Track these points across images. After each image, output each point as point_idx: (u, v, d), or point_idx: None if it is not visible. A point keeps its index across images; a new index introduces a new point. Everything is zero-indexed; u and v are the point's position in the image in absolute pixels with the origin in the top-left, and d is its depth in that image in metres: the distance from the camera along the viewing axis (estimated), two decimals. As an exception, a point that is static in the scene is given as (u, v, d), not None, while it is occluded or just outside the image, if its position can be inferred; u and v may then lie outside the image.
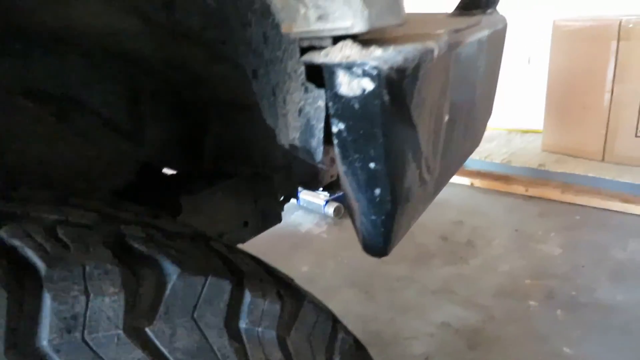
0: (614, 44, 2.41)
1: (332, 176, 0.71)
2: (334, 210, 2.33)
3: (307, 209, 2.47)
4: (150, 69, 0.72)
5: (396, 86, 0.40)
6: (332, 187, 0.79)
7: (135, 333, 0.35)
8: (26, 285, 0.31)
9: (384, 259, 1.95)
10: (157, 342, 0.35)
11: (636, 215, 2.21)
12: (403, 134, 0.44)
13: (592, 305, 1.63)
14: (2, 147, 0.68)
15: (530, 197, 2.48)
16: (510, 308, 1.65)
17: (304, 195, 2.46)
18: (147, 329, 0.35)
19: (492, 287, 1.77)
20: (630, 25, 2.35)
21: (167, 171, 0.97)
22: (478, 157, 2.79)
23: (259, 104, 0.57)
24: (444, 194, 2.64)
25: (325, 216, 2.38)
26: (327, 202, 2.38)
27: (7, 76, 0.68)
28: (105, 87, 0.75)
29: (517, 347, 1.47)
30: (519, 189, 2.52)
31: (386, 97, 0.39)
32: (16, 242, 0.35)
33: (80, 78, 0.73)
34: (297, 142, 0.49)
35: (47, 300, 0.32)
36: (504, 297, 1.71)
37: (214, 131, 0.81)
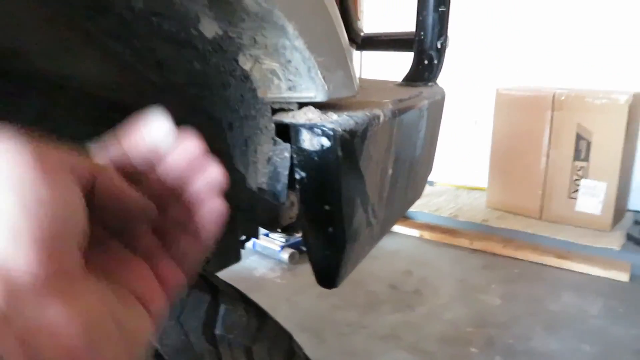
0: (548, 113, 2.66)
1: (290, 218, 0.79)
2: (289, 256, 2.40)
3: (263, 254, 2.51)
4: (130, 115, 0.80)
5: (348, 144, 0.49)
6: (288, 229, 0.87)
7: None
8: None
9: (335, 304, 2.02)
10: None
11: (569, 270, 2.38)
12: (353, 183, 0.54)
13: (529, 353, 1.74)
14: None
15: (475, 250, 2.63)
16: (453, 354, 1.74)
17: (260, 240, 2.51)
18: None
19: (437, 334, 1.86)
20: (563, 98, 2.61)
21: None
22: (427, 211, 2.95)
23: (231, 152, 0.66)
24: (394, 244, 2.76)
25: (280, 262, 2.44)
26: (282, 247, 2.44)
27: (-3, 114, 0.74)
28: (84, 130, 0.82)
29: (458, 392, 1.55)
30: (465, 242, 2.67)
31: (340, 153, 0.49)
32: None
33: (64, 120, 0.80)
34: (264, 186, 0.57)
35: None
36: (447, 344, 1.80)
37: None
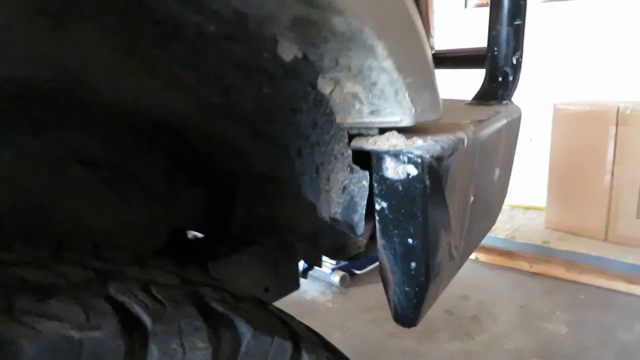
0: (612, 128, 2.52)
1: (358, 247, 0.75)
2: (340, 279, 2.34)
3: (313, 277, 2.47)
4: (193, 141, 0.78)
5: (435, 172, 0.45)
6: (355, 258, 0.83)
7: None
8: (134, 336, 0.35)
9: (390, 330, 1.94)
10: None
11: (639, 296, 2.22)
12: (438, 213, 0.49)
13: (601, 388, 1.61)
14: (49, 211, 0.73)
15: (535, 274, 2.49)
16: (518, 387, 1.63)
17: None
18: None
19: (500, 365, 1.75)
20: (628, 112, 2.47)
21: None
22: (482, 232, 2.83)
23: (299, 180, 0.63)
24: (450, 267, 2.65)
25: (330, 285, 2.38)
26: (333, 270, 2.39)
27: (64, 145, 0.74)
28: (147, 156, 0.81)
29: None
30: (523, 265, 2.54)
31: (427, 181, 0.44)
32: (124, 298, 0.39)
33: (126, 147, 0.79)
34: (338, 216, 0.53)
35: (154, 351, 0.35)
36: (511, 376, 1.69)
37: (243, 200, 0.86)
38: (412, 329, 2.00)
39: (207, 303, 0.43)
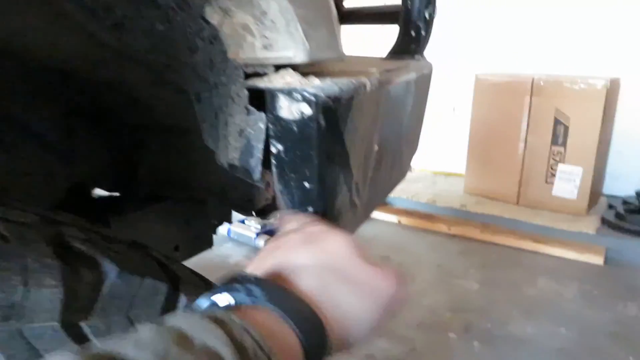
0: (527, 98, 2.65)
1: (266, 200, 0.73)
2: (265, 243, 2.33)
3: (238, 241, 2.45)
4: (88, 88, 0.72)
5: (331, 113, 0.44)
6: (264, 212, 0.81)
7: (71, 327, 0.35)
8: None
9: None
10: (92, 337, 0.36)
11: (546, 254, 2.39)
12: (336, 157, 0.48)
13: (506, 338, 1.73)
14: None
15: (453, 236, 2.61)
16: (431, 340, 1.72)
17: (235, 227, 2.45)
18: (82, 324, 0.36)
19: (415, 320, 1.83)
20: (542, 83, 2.60)
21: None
22: (405, 197, 2.92)
23: (200, 126, 0.60)
24: (372, 230, 2.74)
25: (255, 249, 2.38)
26: (258, 234, 2.38)
27: None
28: (39, 103, 0.75)
29: (437, 378, 1.53)
30: (442, 228, 2.65)
31: (322, 122, 0.43)
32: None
33: (13, 91, 0.72)
34: (236, 162, 0.51)
35: (-13, 288, 0.32)
36: (425, 330, 1.78)
37: (150, 154, 0.82)
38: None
39: (66, 242, 0.40)
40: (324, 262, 0.42)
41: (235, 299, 0.37)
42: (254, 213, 0.84)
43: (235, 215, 1.01)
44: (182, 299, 0.43)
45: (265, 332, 0.33)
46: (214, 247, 1.00)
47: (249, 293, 0.37)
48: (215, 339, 0.29)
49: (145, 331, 0.29)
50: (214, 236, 0.99)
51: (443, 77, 3.18)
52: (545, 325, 1.81)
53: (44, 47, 0.60)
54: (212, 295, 0.37)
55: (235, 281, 0.38)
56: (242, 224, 2.46)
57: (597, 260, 2.29)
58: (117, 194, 0.93)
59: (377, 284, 0.42)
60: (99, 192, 0.98)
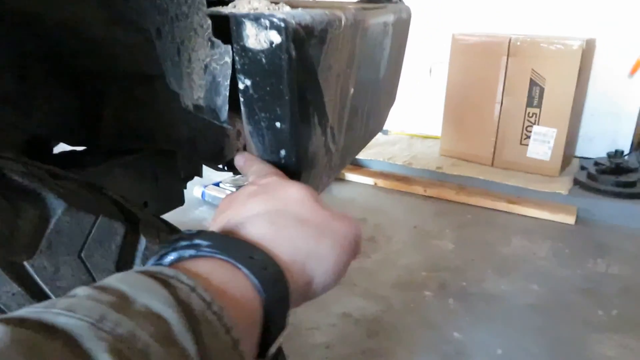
0: (504, 59, 2.63)
1: (237, 150, 0.69)
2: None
3: (213, 205, 2.41)
4: (41, 30, 0.66)
5: (303, 42, 0.40)
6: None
7: (12, 266, 0.32)
8: None
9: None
10: (37, 278, 0.33)
11: (519, 215, 2.42)
12: (309, 94, 0.44)
13: (480, 295, 1.76)
14: None
15: (429, 197, 2.62)
16: (407, 298, 1.73)
17: (210, 190, 2.40)
18: (25, 263, 0.32)
19: (391, 279, 1.85)
20: (518, 43, 2.58)
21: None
22: (382, 159, 2.91)
23: (163, 67, 0.55)
24: (349, 192, 2.72)
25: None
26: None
27: None
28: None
29: (412, 334, 1.55)
30: (418, 190, 2.66)
31: (293, 53, 0.39)
32: None
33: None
34: (201, 102, 0.47)
35: None
36: (401, 289, 1.79)
37: (112, 104, 0.77)
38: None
39: (4, 175, 0.36)
40: (276, 208, 0.40)
41: (180, 255, 0.34)
42: (225, 167, 0.80)
43: (210, 178, 0.97)
44: (142, 241, 0.40)
45: (215, 284, 0.30)
46: (188, 211, 0.97)
47: (195, 247, 0.34)
48: (158, 301, 0.26)
49: (80, 294, 0.26)
50: (189, 199, 0.95)
51: (420, 38, 3.13)
52: (518, 283, 1.85)
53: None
54: (158, 257, 0.34)
55: (181, 239, 0.35)
56: (216, 187, 2.41)
57: (569, 219, 2.34)
58: (80, 148, 0.88)
59: (333, 225, 0.41)
60: (64, 147, 0.92)
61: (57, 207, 0.36)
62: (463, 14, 3.11)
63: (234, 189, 2.38)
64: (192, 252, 0.33)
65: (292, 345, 1.47)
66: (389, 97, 0.80)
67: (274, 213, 0.40)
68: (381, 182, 2.76)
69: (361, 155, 2.90)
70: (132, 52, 0.67)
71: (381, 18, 0.62)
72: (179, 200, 0.93)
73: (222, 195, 2.36)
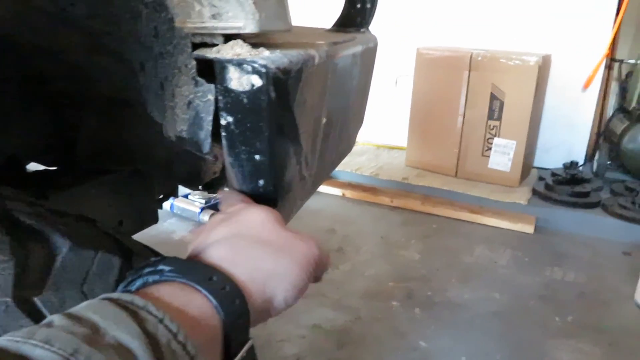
0: (466, 73, 2.73)
1: (214, 173, 0.72)
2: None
3: (181, 217, 2.41)
4: (22, 55, 0.68)
5: (281, 84, 0.44)
6: (212, 185, 0.81)
7: (24, 302, 0.34)
8: None
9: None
10: (45, 311, 0.35)
11: (482, 224, 2.51)
12: (286, 129, 0.48)
13: (445, 304, 1.82)
14: None
15: (395, 208, 2.69)
16: (375, 308, 1.78)
17: (178, 202, 2.40)
18: (35, 299, 0.35)
19: (360, 290, 1.89)
20: (479, 58, 2.68)
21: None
22: (349, 170, 2.96)
23: (145, 98, 0.58)
24: (317, 203, 2.76)
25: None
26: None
27: None
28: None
29: (381, 344, 1.59)
30: (385, 200, 2.72)
31: (272, 94, 0.43)
32: None
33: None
34: (184, 134, 0.50)
35: None
36: (369, 299, 1.84)
37: (90, 126, 0.78)
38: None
39: (14, 217, 0.39)
40: (238, 232, 0.43)
41: (145, 281, 0.36)
42: (200, 187, 0.83)
43: (179, 191, 0.99)
44: (136, 272, 0.43)
45: (175, 306, 0.33)
46: (157, 223, 0.98)
47: (159, 272, 0.37)
48: (127, 334, 0.29)
49: (57, 323, 0.29)
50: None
51: (386, 51, 3.21)
52: (481, 291, 1.92)
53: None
54: (126, 284, 0.37)
55: (146, 265, 0.38)
56: (185, 199, 2.41)
57: (528, 228, 2.44)
58: (54, 168, 0.89)
59: (293, 245, 0.44)
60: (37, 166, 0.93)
61: (62, 245, 0.38)
62: (428, 28, 3.21)
63: (202, 201, 2.39)
64: (156, 277, 0.36)
65: (263, 358, 1.49)
66: (358, 119, 0.84)
67: (235, 237, 0.43)
68: (349, 193, 2.81)
69: (329, 166, 2.95)
70: (112, 78, 0.69)
71: (350, 50, 0.66)
72: (154, 219, 0.94)
73: (191, 208, 2.37)
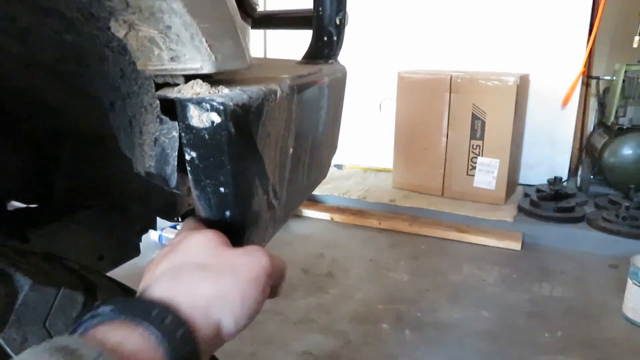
0: (447, 95, 2.79)
1: (189, 205, 0.74)
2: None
3: (170, 247, 2.40)
4: (-3, 97, 0.70)
5: (241, 120, 0.46)
6: (188, 216, 0.82)
7: None
8: None
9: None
10: (7, 349, 0.36)
11: (469, 243, 2.53)
12: (249, 162, 0.50)
13: (434, 324, 1.83)
14: None
15: (383, 230, 2.71)
16: (365, 332, 1.78)
17: (167, 233, 2.40)
18: None
19: (349, 314, 1.89)
20: (459, 80, 2.74)
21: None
22: (337, 194, 2.98)
23: (116, 134, 0.60)
24: (306, 228, 2.77)
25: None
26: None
27: None
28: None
29: (371, 368, 1.59)
30: (373, 222, 2.74)
31: (232, 129, 0.45)
32: None
33: None
34: (152, 170, 0.52)
35: None
36: (359, 322, 1.83)
37: (66, 163, 0.80)
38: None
39: None
40: (178, 261, 0.43)
41: (89, 323, 0.36)
42: (179, 219, 0.84)
43: (166, 221, 1.00)
44: (99, 306, 0.44)
45: (112, 343, 0.33)
46: (145, 255, 0.99)
47: (100, 314, 0.37)
48: None
49: None
50: (146, 243, 0.98)
51: (369, 76, 3.28)
52: (470, 310, 1.93)
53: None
54: (72, 329, 0.37)
55: (90, 308, 0.38)
56: (173, 229, 2.41)
57: (515, 245, 2.46)
58: (33, 205, 0.90)
59: (236, 263, 0.43)
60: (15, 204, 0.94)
61: (24, 283, 0.39)
62: (408, 52, 3.28)
63: (191, 231, 2.39)
64: (98, 319, 0.37)
65: (253, 387, 1.48)
66: (330, 147, 0.86)
67: (175, 267, 0.43)
68: (337, 217, 2.83)
69: (317, 191, 2.97)
70: (85, 116, 0.71)
71: (317, 81, 0.68)
72: (135, 251, 0.95)
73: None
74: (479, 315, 1.89)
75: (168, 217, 0.76)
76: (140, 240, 0.94)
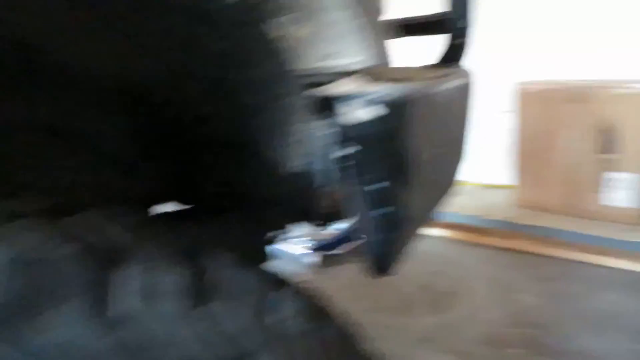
0: (571, 105, 2.58)
1: (332, 207, 0.75)
2: (315, 260, 2.35)
3: (287, 259, 2.47)
4: (154, 107, 0.77)
5: (399, 113, 0.46)
6: (330, 219, 0.82)
7: None
8: None
9: (370, 306, 1.95)
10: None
11: (604, 266, 2.29)
12: (409, 155, 0.49)
13: (572, 354, 1.66)
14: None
15: (505, 249, 2.55)
16: (491, 356, 1.67)
17: (281, 244, 2.47)
18: None
19: (474, 335, 1.79)
20: (586, 90, 2.53)
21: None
22: (453, 210, 2.88)
23: (258, 138, 0.63)
24: (423, 245, 2.70)
25: (304, 266, 2.39)
26: (306, 252, 2.40)
27: (17, 113, 0.72)
28: (109, 122, 0.79)
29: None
30: (493, 241, 2.59)
31: (392, 123, 0.45)
32: None
33: (87, 113, 0.77)
34: (297, 170, 0.53)
35: None
36: (485, 345, 1.73)
37: (212, 169, 0.85)
38: (389, 305, 2.02)
39: None
40: None
41: None
42: (319, 221, 0.85)
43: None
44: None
45: None
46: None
47: None
48: None
49: None
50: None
51: (487, 87, 3.15)
52: (612, 340, 1.73)
53: (121, 72, 0.65)
54: None
55: None
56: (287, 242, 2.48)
57: (661, 269, 2.18)
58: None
59: None
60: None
61: None
62: (528, 61, 3.11)
63: (306, 244, 2.43)
64: None
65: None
66: (458, 155, 0.84)
67: None
68: (454, 234, 2.73)
69: (432, 208, 2.89)
70: (229, 122, 0.76)
71: (453, 82, 0.67)
72: (265, 257, 0.99)
73: (299, 251, 2.42)
74: (625, 347, 1.69)
75: (309, 219, 0.77)
76: (272, 245, 0.97)
